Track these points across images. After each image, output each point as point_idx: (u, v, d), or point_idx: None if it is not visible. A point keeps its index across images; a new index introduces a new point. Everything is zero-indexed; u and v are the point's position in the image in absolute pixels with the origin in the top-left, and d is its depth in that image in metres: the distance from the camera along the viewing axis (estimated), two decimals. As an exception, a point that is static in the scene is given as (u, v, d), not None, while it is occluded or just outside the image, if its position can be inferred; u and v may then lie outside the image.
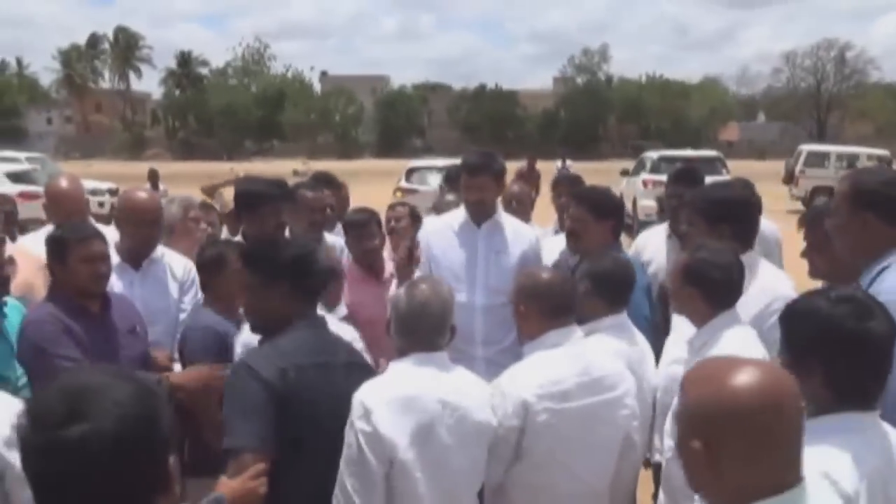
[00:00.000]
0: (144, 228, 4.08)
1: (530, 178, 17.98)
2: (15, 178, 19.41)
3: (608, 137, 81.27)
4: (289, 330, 2.82)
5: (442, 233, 4.42)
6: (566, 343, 3.04)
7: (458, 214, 4.46)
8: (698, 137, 68.10)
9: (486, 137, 71.17)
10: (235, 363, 2.90)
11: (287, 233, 4.26)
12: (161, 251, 4.22)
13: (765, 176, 20.68)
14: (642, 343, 3.52)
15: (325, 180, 5.74)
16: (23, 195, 17.66)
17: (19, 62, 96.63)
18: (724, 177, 16.99)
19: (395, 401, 2.66)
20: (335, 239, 5.08)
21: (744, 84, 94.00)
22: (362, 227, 4.73)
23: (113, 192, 20.95)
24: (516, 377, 2.97)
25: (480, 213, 4.36)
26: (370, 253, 4.71)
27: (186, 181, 6.95)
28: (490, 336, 4.10)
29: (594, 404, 2.99)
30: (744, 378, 1.54)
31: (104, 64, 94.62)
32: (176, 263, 4.23)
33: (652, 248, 4.89)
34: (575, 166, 22.08)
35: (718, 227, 3.58)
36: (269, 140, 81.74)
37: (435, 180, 16.49)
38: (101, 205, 20.46)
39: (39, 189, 18.74)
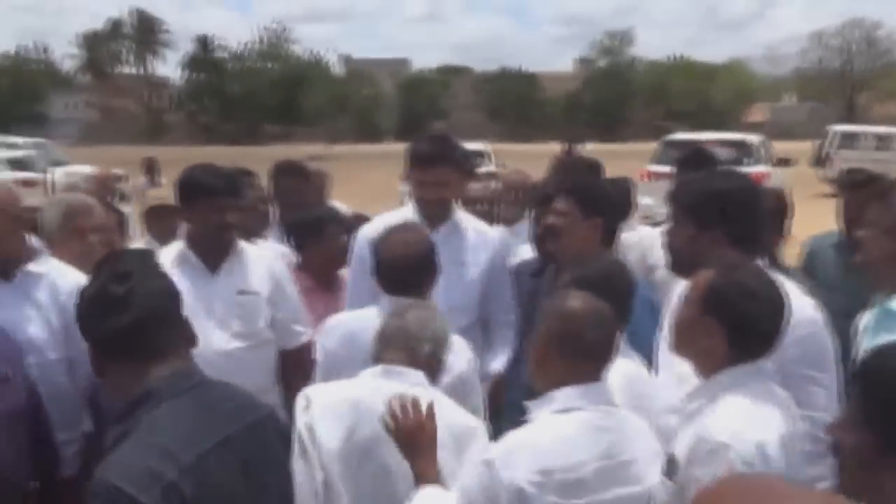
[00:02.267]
0: None
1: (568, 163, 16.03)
2: (15, 164, 18.98)
3: (632, 120, 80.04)
4: (153, 408, 1.97)
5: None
6: (589, 407, 2.23)
7: (406, 214, 3.63)
8: (723, 120, 67.00)
9: (509, 120, 70.47)
10: (95, 485, 1.88)
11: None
12: (47, 264, 3.29)
13: (793, 157, 19.94)
14: (644, 371, 2.80)
15: (287, 171, 5.01)
16: (22, 182, 17.36)
17: (42, 48, 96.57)
18: (758, 167, 15.46)
19: (335, 402, 2.38)
20: (273, 246, 4.39)
21: (771, 65, 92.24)
22: (318, 229, 4.06)
23: (123, 180, 20.45)
24: (513, 453, 2.15)
25: (437, 215, 3.57)
26: (327, 259, 4.00)
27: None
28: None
29: (617, 501, 2.18)
30: None
31: (125, 49, 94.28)
32: (64, 281, 3.21)
33: (659, 250, 4.02)
34: (596, 149, 20.11)
35: (711, 229, 2.72)
36: (289, 124, 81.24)
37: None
38: (110, 192, 20.05)
39: (40, 176, 18.50)
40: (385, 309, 2.95)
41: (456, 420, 2.44)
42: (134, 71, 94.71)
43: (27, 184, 17.92)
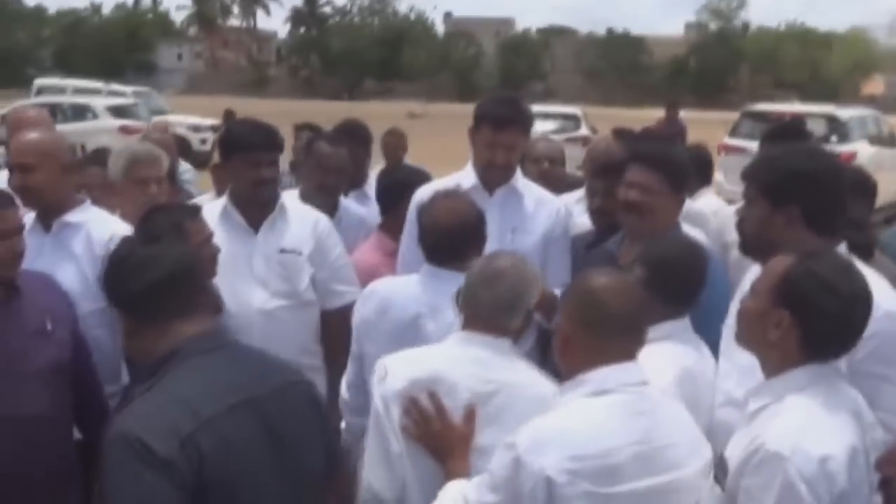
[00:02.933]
0: (31, 172, 3.09)
1: (672, 130, 14.34)
2: (116, 112, 19.51)
3: (739, 88, 77.49)
4: (179, 364, 1.97)
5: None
6: (623, 389, 2.06)
7: (463, 177, 3.49)
8: (836, 91, 64.24)
9: (611, 84, 69.15)
10: (112, 434, 1.88)
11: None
12: (84, 213, 3.26)
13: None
14: (710, 364, 2.59)
15: (349, 132, 4.84)
16: (123, 129, 17.87)
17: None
18: (848, 146, 13.60)
19: (412, 376, 2.29)
20: (356, 207, 4.31)
21: (895, 34, 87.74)
22: (404, 191, 3.81)
23: (216, 129, 20.86)
24: (541, 439, 1.97)
25: (499, 179, 3.43)
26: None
27: (307, 120, 6.73)
28: None
29: (654, 489, 2.00)
30: None
31: (233, 0, 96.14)
32: (98, 232, 3.19)
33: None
34: (699, 117, 19.08)
35: (786, 208, 2.50)
36: (390, 80, 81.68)
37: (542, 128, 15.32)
38: (202, 142, 20.44)
39: (141, 123, 18.99)
40: (427, 277, 2.84)
41: (534, 391, 2.32)
42: (241, 24, 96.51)
43: (128, 131, 18.46)
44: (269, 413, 1.98)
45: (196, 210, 3.03)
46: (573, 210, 3.95)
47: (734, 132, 15.10)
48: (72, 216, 3.25)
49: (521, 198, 3.48)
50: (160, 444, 1.80)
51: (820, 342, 2.04)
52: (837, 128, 14.75)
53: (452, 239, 2.82)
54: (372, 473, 2.30)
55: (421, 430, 2.25)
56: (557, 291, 2.90)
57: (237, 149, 3.40)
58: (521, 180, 3.54)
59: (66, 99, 20.79)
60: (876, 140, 15.56)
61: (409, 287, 2.88)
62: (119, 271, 2.09)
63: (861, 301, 2.04)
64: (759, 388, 2.10)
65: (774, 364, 2.08)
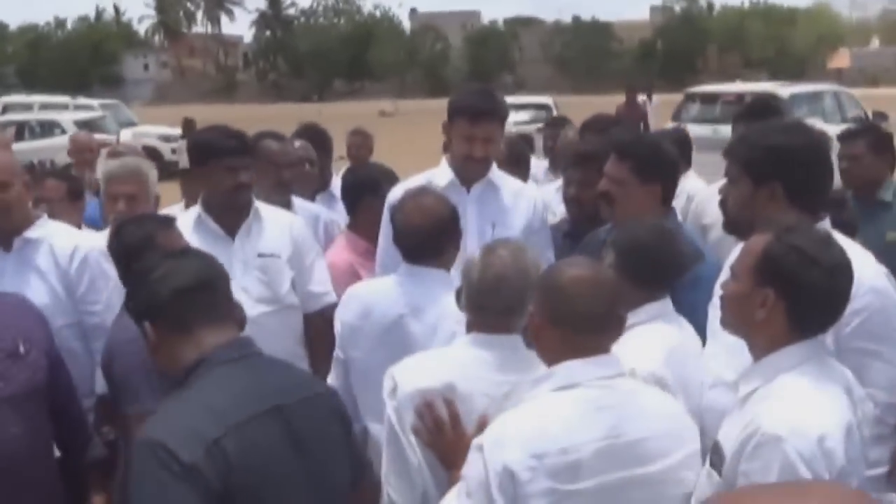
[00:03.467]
0: (6, 191, 3.04)
1: (633, 115, 14.10)
2: (84, 126, 19.22)
3: (708, 68, 77.96)
4: (205, 373, 1.95)
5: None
6: (590, 383, 2.01)
7: (438, 173, 3.43)
8: (804, 66, 64.81)
9: (580, 72, 69.38)
10: (138, 441, 1.87)
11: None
12: (44, 228, 3.21)
13: (881, 105, 18.88)
14: (696, 343, 2.57)
15: (308, 137, 4.78)
16: (92, 143, 17.70)
17: (116, 9, 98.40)
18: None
19: (430, 391, 2.22)
20: (312, 206, 4.22)
21: (856, 8, 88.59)
22: (372, 188, 3.80)
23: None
24: (503, 436, 1.95)
25: (476, 173, 3.38)
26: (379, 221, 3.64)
27: (277, 124, 6.54)
28: None
29: (622, 484, 1.95)
30: None
31: (197, 7, 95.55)
32: (61, 245, 3.17)
33: (715, 209, 3.35)
34: (670, 100, 19.08)
35: (768, 185, 2.48)
36: (359, 80, 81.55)
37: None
38: (173, 151, 20.24)
39: (110, 136, 18.80)
40: (405, 276, 2.81)
41: None
42: (206, 31, 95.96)
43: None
44: (295, 422, 1.96)
45: (169, 220, 2.94)
46: (552, 199, 3.93)
47: (676, 116, 14.21)
48: (32, 232, 3.17)
49: (498, 191, 3.44)
50: (185, 450, 1.77)
51: (807, 317, 2.00)
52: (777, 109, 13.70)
53: (427, 237, 2.79)
54: (392, 486, 2.25)
55: (433, 437, 2.21)
56: None
57: (212, 155, 3.34)
58: (496, 172, 3.48)
59: (34, 116, 20.59)
60: (835, 118, 13.84)
61: (390, 288, 2.84)
62: (145, 282, 2.05)
63: (843, 270, 2.01)
64: (749, 370, 2.05)
65: (762, 345, 2.03)
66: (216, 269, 2.12)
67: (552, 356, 2.06)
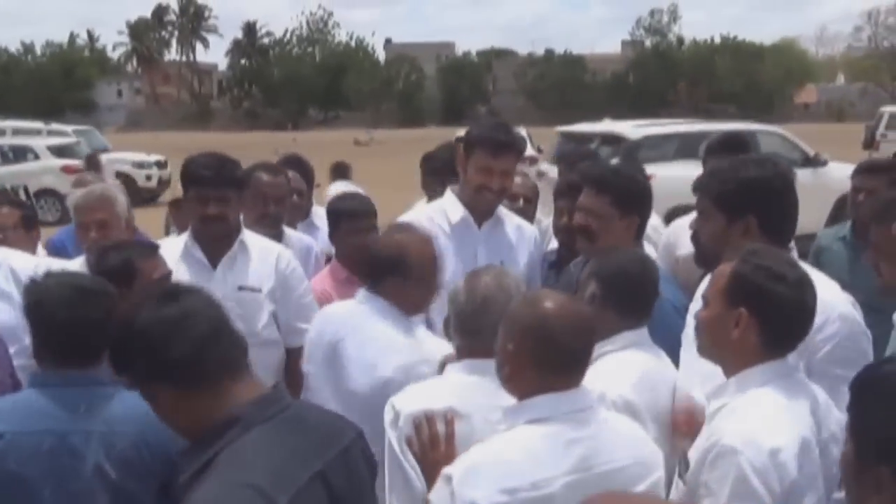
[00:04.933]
0: None
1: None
2: (57, 151, 19.19)
3: (678, 101, 78.93)
4: (239, 437, 1.73)
5: (430, 229, 3.28)
6: (561, 417, 2.05)
7: (450, 208, 3.45)
8: (772, 100, 65.77)
9: (552, 103, 69.86)
10: None
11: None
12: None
13: (844, 140, 19.28)
14: (670, 370, 2.62)
15: (296, 163, 4.87)
16: (66, 169, 17.62)
17: (90, 35, 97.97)
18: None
19: (429, 412, 2.25)
20: (304, 237, 4.23)
21: (822, 45, 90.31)
22: (357, 219, 3.80)
23: (161, 165, 20.65)
24: (473, 471, 1.98)
25: (489, 207, 3.42)
26: (361, 249, 3.68)
27: (252, 152, 6.51)
28: None
29: None
30: None
31: (170, 35, 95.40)
32: (20, 265, 3.20)
33: (688, 241, 3.65)
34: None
35: (743, 220, 2.56)
36: (333, 109, 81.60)
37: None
38: (148, 178, 20.20)
39: (83, 163, 18.68)
40: (359, 300, 2.88)
41: None
42: (181, 58, 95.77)
43: (70, 170, 18.18)
44: (336, 483, 1.83)
45: (152, 248, 2.91)
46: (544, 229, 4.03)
47: (553, 154, 13.40)
48: None
49: (504, 227, 3.49)
50: None
51: (778, 332, 2.08)
52: (624, 149, 12.02)
53: (369, 268, 2.88)
54: None
55: (425, 452, 2.21)
56: None
57: (190, 182, 3.33)
58: (502, 210, 3.54)
59: (6, 140, 20.44)
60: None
61: (342, 311, 2.93)
62: (152, 338, 1.77)
63: (808, 285, 2.10)
64: (720, 388, 2.12)
65: (736, 364, 2.10)
66: (219, 306, 1.90)
67: (525, 391, 2.10)
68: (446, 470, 2.03)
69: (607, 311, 2.51)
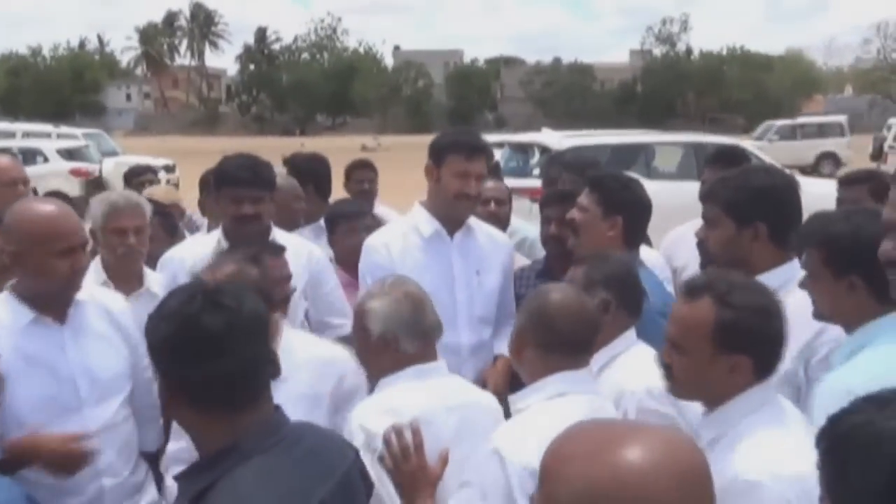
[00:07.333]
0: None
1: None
2: (67, 154, 19.31)
3: (686, 111, 79.01)
4: (237, 463, 1.66)
5: (404, 246, 3.31)
6: (578, 391, 2.20)
7: (421, 222, 3.39)
8: (780, 111, 65.70)
9: (560, 111, 70.03)
10: None
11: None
12: (88, 289, 2.82)
13: (852, 151, 19.28)
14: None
15: (302, 165, 4.79)
16: (74, 172, 17.71)
17: (100, 39, 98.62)
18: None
19: (397, 426, 2.25)
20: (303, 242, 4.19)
21: (831, 56, 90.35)
22: (352, 220, 3.88)
23: (170, 169, 20.71)
24: (519, 437, 2.07)
25: (464, 215, 3.37)
26: (357, 250, 3.60)
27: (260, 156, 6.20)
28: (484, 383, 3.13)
29: None
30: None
31: (180, 40, 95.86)
32: (114, 304, 2.92)
33: (686, 251, 3.59)
34: None
35: (752, 226, 2.62)
36: (341, 115, 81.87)
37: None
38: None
39: (92, 166, 18.81)
40: None
41: (485, 404, 2.48)
42: (190, 62, 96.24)
43: (79, 173, 18.29)
44: None
45: (280, 248, 2.92)
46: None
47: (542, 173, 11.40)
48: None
49: (475, 236, 3.44)
50: None
51: (770, 363, 2.04)
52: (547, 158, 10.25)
53: None
54: None
55: (396, 466, 2.21)
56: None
57: (224, 183, 3.34)
58: (471, 219, 3.48)
59: (16, 143, 20.52)
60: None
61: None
62: (180, 349, 1.67)
63: (776, 304, 2.07)
64: (711, 418, 2.06)
65: (720, 398, 2.04)
66: (262, 329, 1.77)
67: (536, 373, 2.23)
68: (490, 446, 2.08)
69: (620, 314, 2.57)
